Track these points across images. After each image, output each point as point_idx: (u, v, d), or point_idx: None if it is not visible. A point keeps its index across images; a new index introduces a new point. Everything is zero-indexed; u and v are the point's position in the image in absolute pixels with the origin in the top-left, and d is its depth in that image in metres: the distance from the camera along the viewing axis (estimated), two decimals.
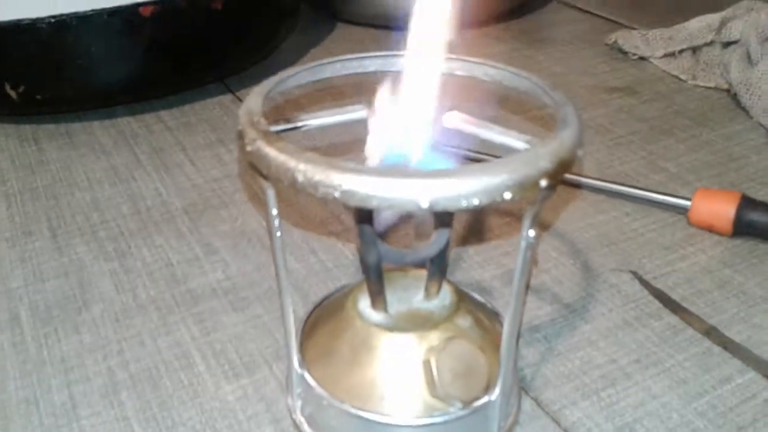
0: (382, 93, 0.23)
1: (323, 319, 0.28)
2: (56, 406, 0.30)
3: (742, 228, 0.39)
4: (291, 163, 0.20)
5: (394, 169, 0.19)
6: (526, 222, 0.22)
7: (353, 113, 0.24)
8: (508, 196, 0.20)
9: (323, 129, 0.24)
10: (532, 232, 0.22)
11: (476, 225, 0.41)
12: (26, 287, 0.36)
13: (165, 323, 0.34)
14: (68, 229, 0.41)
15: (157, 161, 0.47)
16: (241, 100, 0.55)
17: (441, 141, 0.23)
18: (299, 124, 0.23)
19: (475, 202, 0.19)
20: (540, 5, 0.76)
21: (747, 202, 0.39)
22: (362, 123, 0.24)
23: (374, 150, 0.23)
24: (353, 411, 0.25)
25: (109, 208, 0.42)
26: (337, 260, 0.38)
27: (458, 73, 0.27)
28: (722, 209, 0.39)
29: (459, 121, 0.24)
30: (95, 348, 0.33)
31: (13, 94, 0.49)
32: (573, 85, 0.57)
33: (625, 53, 0.63)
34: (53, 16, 0.46)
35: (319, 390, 0.26)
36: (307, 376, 0.27)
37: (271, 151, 0.21)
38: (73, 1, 0.47)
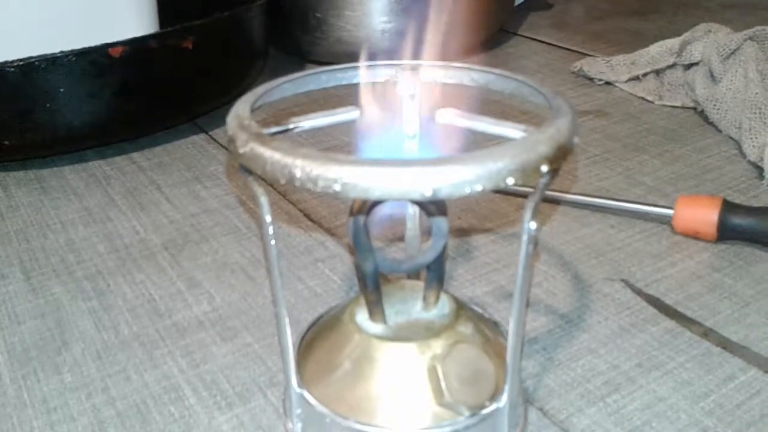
0: (371, 94, 0.23)
1: (320, 337, 0.27)
2: None
3: (726, 232, 0.39)
4: (288, 159, 0.19)
5: (394, 159, 0.19)
6: (527, 213, 0.21)
7: (344, 114, 0.24)
8: (510, 181, 0.19)
9: (314, 133, 0.23)
10: (533, 224, 0.22)
11: (463, 245, 0.40)
12: (1, 330, 0.35)
13: (151, 357, 0.32)
14: (42, 270, 0.39)
15: (132, 201, 0.46)
16: (214, 140, 0.55)
17: (435, 138, 0.23)
18: (291, 126, 0.23)
19: (478, 188, 0.19)
20: (503, 40, 0.77)
21: (729, 206, 0.39)
22: (353, 125, 0.24)
23: (368, 146, 0.22)
24: (358, 427, 0.24)
25: (85, 248, 0.41)
26: (326, 285, 0.37)
27: (445, 80, 0.27)
28: (705, 214, 0.39)
29: (452, 116, 0.24)
30: (78, 387, 0.31)
31: None
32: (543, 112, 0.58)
33: (591, 79, 0.64)
34: (21, 60, 0.46)
35: (320, 408, 0.25)
36: (306, 394, 0.26)
37: (266, 151, 0.20)
38: (41, 44, 0.47)
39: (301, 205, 0.45)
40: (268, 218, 0.22)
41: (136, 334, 0.34)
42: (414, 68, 0.26)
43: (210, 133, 0.56)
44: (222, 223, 0.43)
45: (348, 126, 0.25)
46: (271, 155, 0.20)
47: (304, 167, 0.19)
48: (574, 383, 0.30)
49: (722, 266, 0.38)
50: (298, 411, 0.26)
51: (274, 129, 0.23)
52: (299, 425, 0.26)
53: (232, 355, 0.32)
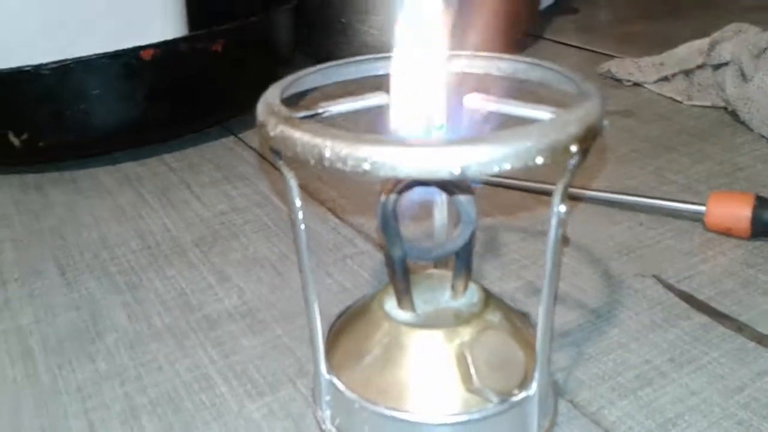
0: (400, 81, 0.23)
1: (349, 325, 0.28)
2: None
3: (760, 229, 0.38)
4: (317, 140, 0.20)
5: (423, 138, 0.19)
6: (557, 196, 0.21)
7: (373, 99, 0.24)
8: (539, 160, 0.19)
9: (344, 122, 0.24)
10: (563, 207, 0.22)
11: (492, 242, 0.40)
12: (37, 323, 0.35)
13: (182, 348, 0.33)
14: (77, 266, 0.40)
15: (164, 199, 0.47)
16: (243, 142, 0.56)
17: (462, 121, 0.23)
18: (319, 110, 0.23)
19: (507, 166, 0.19)
20: (529, 44, 0.77)
21: (762, 203, 0.38)
22: (382, 110, 0.24)
23: (397, 130, 0.22)
24: (387, 412, 0.24)
25: (118, 245, 0.42)
26: (354, 280, 0.37)
27: (472, 70, 0.27)
28: (738, 211, 0.38)
29: (480, 101, 0.24)
30: (111, 375, 0.31)
31: (16, 141, 0.49)
32: None
33: (619, 80, 0.64)
34: (56, 62, 0.47)
35: (349, 394, 0.25)
36: (335, 381, 0.26)
37: (296, 132, 0.20)
38: (75, 47, 0.48)
39: (329, 204, 0.45)
40: (298, 202, 0.23)
41: (168, 325, 0.34)
42: (441, 57, 0.26)
43: (239, 135, 0.57)
44: (251, 220, 0.44)
45: (378, 115, 0.25)
46: (301, 136, 0.20)
47: (333, 147, 0.19)
48: (605, 376, 0.30)
49: (756, 263, 0.37)
50: (327, 398, 0.26)
51: (303, 113, 0.23)
52: (328, 412, 0.27)
53: (261, 347, 0.33)
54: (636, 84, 0.63)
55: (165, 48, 0.50)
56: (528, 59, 0.26)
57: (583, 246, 0.39)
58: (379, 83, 0.26)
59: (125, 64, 0.49)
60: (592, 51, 0.74)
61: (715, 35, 0.59)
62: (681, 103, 0.59)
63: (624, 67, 0.64)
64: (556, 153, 0.20)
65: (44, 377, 0.32)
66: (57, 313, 0.36)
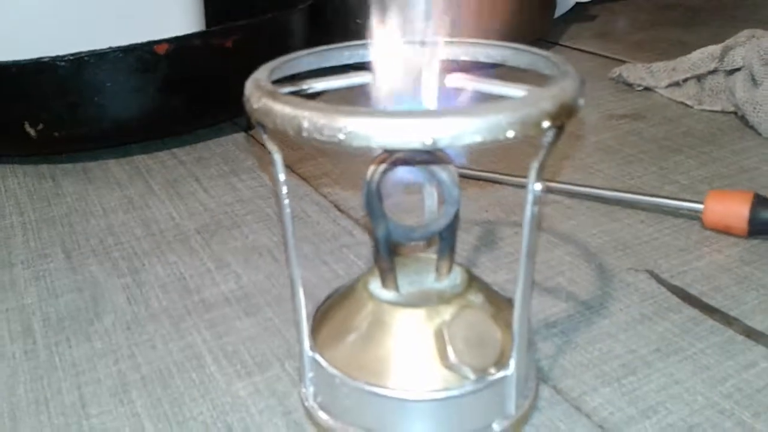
0: (385, 61, 0.24)
1: (334, 305, 0.28)
2: (66, 405, 0.29)
3: (757, 227, 0.38)
4: (296, 111, 0.20)
5: (397, 111, 0.19)
6: (532, 173, 0.22)
7: (357, 78, 0.25)
8: (510, 134, 0.20)
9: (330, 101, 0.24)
10: (538, 185, 0.22)
11: (488, 236, 0.41)
12: (39, 302, 0.36)
13: (177, 329, 0.34)
14: (82, 251, 0.41)
15: (171, 191, 0.48)
16: (253, 137, 0.57)
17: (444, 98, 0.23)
18: (304, 86, 0.24)
19: (478, 138, 0.19)
20: (545, 49, 0.77)
21: (761, 201, 0.38)
22: (366, 88, 0.25)
23: (380, 101, 0.23)
24: (367, 388, 0.25)
25: (123, 232, 0.43)
26: (349, 269, 0.38)
27: (461, 57, 0.28)
28: (736, 209, 0.38)
29: (461, 79, 0.24)
30: (106, 353, 0.32)
31: (32, 132, 0.50)
32: (580, 115, 0.58)
33: (630, 85, 0.64)
34: (72, 54, 0.48)
35: (331, 370, 0.26)
36: (318, 357, 0.26)
37: (276, 104, 0.21)
38: (91, 40, 0.49)
39: (331, 197, 0.46)
40: (282, 176, 0.23)
41: (165, 308, 0.35)
42: (431, 43, 0.26)
43: (250, 132, 0.58)
44: (254, 211, 0.44)
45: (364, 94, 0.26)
46: (281, 108, 0.21)
47: (311, 118, 0.20)
48: (590, 365, 0.30)
49: (752, 260, 0.37)
50: (311, 374, 0.27)
51: (287, 89, 0.24)
52: (311, 389, 0.27)
53: (253, 329, 0.33)
54: (647, 89, 0.63)
55: (179, 43, 0.51)
56: (516, 45, 0.27)
57: (580, 241, 0.39)
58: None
59: (139, 57, 0.50)
60: (607, 57, 0.74)
61: (729, 41, 0.59)
62: (691, 107, 0.59)
63: (635, 71, 0.64)
64: (528, 128, 0.20)
65: (42, 354, 0.32)
66: (59, 294, 0.37)
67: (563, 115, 0.21)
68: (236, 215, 0.44)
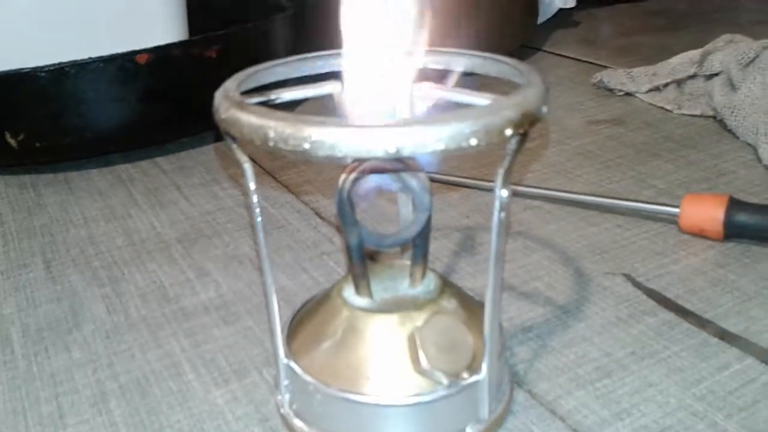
0: (353, 70, 0.24)
1: (309, 313, 0.28)
2: (44, 416, 0.29)
3: (732, 230, 0.38)
4: (262, 121, 0.21)
5: (361, 120, 0.20)
6: (498, 180, 0.22)
7: (324, 87, 0.25)
8: (473, 142, 0.20)
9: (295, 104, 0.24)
10: (505, 192, 0.22)
11: (468, 241, 0.41)
12: (18, 312, 0.36)
13: (155, 338, 0.34)
14: (62, 261, 0.41)
15: (153, 199, 0.48)
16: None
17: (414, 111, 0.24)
18: (272, 96, 0.24)
19: (441, 147, 0.20)
20: (527, 55, 0.78)
21: (736, 204, 0.39)
22: (333, 98, 0.25)
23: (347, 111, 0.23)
24: (340, 394, 0.25)
25: (104, 242, 0.43)
26: (329, 276, 0.38)
27: (432, 65, 0.28)
28: (711, 212, 0.39)
29: (428, 89, 0.24)
30: (85, 363, 0.32)
31: (13, 142, 0.50)
32: (561, 120, 0.59)
33: (611, 90, 0.65)
34: (53, 65, 0.48)
35: (305, 377, 0.26)
36: (293, 364, 0.26)
37: (243, 115, 0.21)
38: (72, 50, 0.49)
39: (312, 205, 0.46)
40: (252, 185, 0.24)
41: (144, 317, 0.35)
42: (402, 52, 0.27)
43: (218, 142, 0.58)
44: (235, 220, 0.45)
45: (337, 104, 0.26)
46: (248, 118, 0.21)
47: (276, 128, 0.20)
48: (565, 368, 0.30)
49: (727, 263, 0.37)
50: (286, 382, 0.27)
51: (255, 99, 0.24)
52: (287, 396, 0.27)
53: (232, 337, 0.33)
54: (627, 94, 0.64)
55: (160, 53, 0.51)
56: (485, 54, 0.27)
57: (558, 246, 0.40)
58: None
59: (120, 67, 0.50)
60: (590, 63, 0.75)
61: (708, 46, 0.60)
62: (671, 112, 0.59)
63: (616, 77, 0.65)
64: (490, 135, 0.20)
65: (20, 363, 0.32)
66: (38, 304, 0.37)
67: (526, 123, 0.21)
68: (217, 224, 0.44)
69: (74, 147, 0.52)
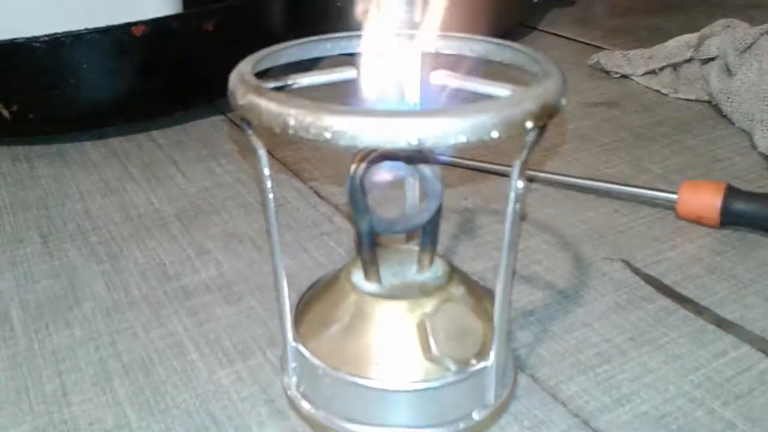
0: (370, 57, 0.24)
1: (317, 296, 0.28)
2: (47, 394, 0.29)
3: (729, 218, 0.39)
4: (282, 108, 0.20)
5: (383, 110, 0.20)
6: (515, 171, 0.22)
7: (343, 73, 0.25)
8: (495, 134, 0.20)
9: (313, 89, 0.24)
10: (521, 183, 0.22)
11: (467, 224, 0.41)
12: (17, 288, 0.36)
13: (157, 317, 0.34)
14: (59, 236, 0.41)
15: (149, 174, 0.48)
16: (232, 121, 0.56)
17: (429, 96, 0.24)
18: (289, 81, 0.24)
19: (463, 139, 0.20)
20: (522, 34, 0.78)
21: (733, 192, 0.39)
22: (352, 84, 0.25)
23: (366, 99, 0.23)
24: (349, 378, 0.25)
25: (101, 216, 0.43)
26: (329, 256, 0.38)
27: (445, 50, 0.28)
28: (708, 199, 0.39)
29: (445, 77, 0.24)
30: (87, 341, 0.32)
31: (5, 113, 0.50)
32: None
33: (607, 72, 0.65)
34: (48, 35, 0.47)
35: (314, 360, 0.26)
36: (301, 348, 0.27)
37: (263, 101, 0.21)
38: (67, 21, 0.48)
39: (311, 183, 0.46)
40: (267, 171, 0.23)
41: (145, 295, 0.35)
42: (415, 38, 0.27)
43: (228, 114, 0.57)
44: (234, 197, 0.44)
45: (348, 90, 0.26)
46: (267, 105, 0.21)
47: (297, 116, 0.20)
48: (566, 353, 0.31)
49: (724, 250, 0.38)
50: (294, 365, 0.27)
51: (272, 84, 0.24)
52: (294, 378, 0.27)
53: (235, 317, 0.33)
54: (624, 76, 0.64)
55: (156, 25, 0.51)
56: (498, 41, 0.27)
57: (557, 230, 0.40)
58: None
59: (116, 39, 0.49)
60: (585, 43, 0.75)
61: (704, 30, 0.60)
62: (667, 95, 0.60)
63: (613, 59, 0.65)
64: (511, 128, 0.20)
65: (21, 341, 0.32)
66: (37, 279, 0.37)
67: (545, 116, 0.21)
68: (215, 200, 0.44)
69: (68, 119, 0.52)
